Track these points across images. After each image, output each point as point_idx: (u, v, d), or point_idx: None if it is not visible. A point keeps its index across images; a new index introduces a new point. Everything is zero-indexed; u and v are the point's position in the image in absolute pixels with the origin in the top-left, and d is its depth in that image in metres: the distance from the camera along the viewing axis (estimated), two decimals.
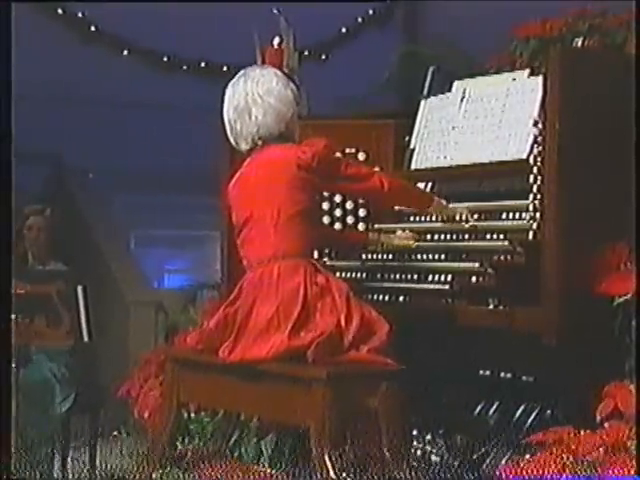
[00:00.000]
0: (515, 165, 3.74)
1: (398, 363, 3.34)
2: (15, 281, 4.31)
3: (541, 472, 2.88)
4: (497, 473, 3.20)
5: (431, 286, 3.72)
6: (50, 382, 5.21)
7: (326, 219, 4.27)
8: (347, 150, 4.25)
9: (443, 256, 3.81)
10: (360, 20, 9.35)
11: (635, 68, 3.46)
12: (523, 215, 3.61)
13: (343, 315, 3.36)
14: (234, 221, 3.65)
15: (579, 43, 4.49)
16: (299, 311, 3.38)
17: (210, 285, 6.81)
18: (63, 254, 5.83)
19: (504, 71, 4.31)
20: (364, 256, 4.07)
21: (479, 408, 3.82)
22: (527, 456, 3.10)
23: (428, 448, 3.86)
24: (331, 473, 3.14)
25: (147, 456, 3.74)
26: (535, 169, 3.54)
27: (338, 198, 4.27)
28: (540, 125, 3.55)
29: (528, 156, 3.65)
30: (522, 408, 3.68)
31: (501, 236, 3.68)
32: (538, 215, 3.52)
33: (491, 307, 3.51)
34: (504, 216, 3.74)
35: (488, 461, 3.63)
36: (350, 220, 4.28)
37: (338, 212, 4.29)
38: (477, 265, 3.55)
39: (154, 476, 3.66)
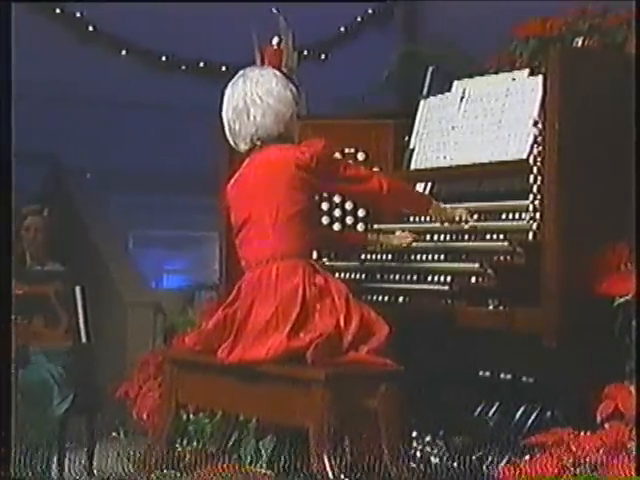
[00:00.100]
0: (515, 165, 3.73)
1: (398, 364, 3.33)
2: (13, 281, 4.29)
3: (541, 473, 2.87)
4: (497, 474, 3.19)
5: (431, 287, 3.71)
6: (48, 383, 5.18)
7: (325, 219, 4.26)
8: (346, 150, 4.25)
9: (443, 257, 3.81)
10: (359, 20, 9.34)
11: (635, 68, 3.45)
12: (523, 215, 3.60)
13: (342, 316, 3.35)
14: (233, 222, 3.64)
15: (579, 43, 4.47)
16: (298, 312, 3.37)
17: (208, 286, 6.82)
18: (61, 254, 5.80)
19: (504, 71, 4.29)
20: (363, 257, 4.06)
21: (479, 409, 3.81)
22: (527, 457, 3.10)
23: (428, 449, 3.86)
24: (330, 474, 3.13)
25: (145, 457, 3.73)
26: (535, 169, 3.54)
27: (337, 198, 4.26)
28: (540, 125, 3.54)
29: (528, 156, 3.64)
30: (522, 409, 3.67)
31: (501, 236, 3.67)
32: (538, 215, 3.51)
33: (491, 308, 3.51)
34: (504, 216, 3.73)
35: (488, 462, 3.63)
36: (349, 220, 4.28)
37: (337, 212, 4.28)
38: (477, 266, 3.54)
39: (152, 477, 3.66)
